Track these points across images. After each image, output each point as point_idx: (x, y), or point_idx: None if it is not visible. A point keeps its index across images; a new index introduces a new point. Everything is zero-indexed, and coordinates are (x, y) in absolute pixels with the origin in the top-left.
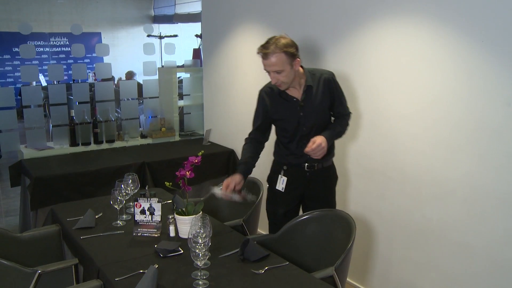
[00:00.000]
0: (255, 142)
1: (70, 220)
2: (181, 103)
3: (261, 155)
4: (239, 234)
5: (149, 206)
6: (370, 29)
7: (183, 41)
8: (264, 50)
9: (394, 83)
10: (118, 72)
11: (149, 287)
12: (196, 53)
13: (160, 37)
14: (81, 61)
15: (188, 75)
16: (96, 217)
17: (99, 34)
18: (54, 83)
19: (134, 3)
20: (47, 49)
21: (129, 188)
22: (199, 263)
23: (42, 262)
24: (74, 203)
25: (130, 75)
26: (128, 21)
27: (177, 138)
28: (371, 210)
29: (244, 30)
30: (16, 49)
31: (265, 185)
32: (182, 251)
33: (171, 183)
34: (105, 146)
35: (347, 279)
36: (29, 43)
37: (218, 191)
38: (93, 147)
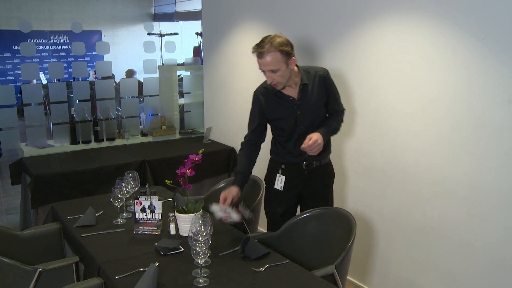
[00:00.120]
0: (251, 146)
1: (70, 218)
2: (181, 101)
3: (259, 153)
4: (240, 232)
5: (149, 204)
6: (370, 27)
7: (184, 39)
8: (259, 49)
9: (395, 81)
10: (119, 70)
11: (150, 285)
12: (197, 51)
13: (161, 35)
14: (82, 59)
15: (188, 73)
16: (97, 215)
17: (99, 32)
18: (54, 81)
19: (134, 1)
20: (47, 47)
21: (129, 186)
22: (200, 261)
23: (42, 260)
24: (74, 201)
25: (130, 73)
26: (128, 19)
27: (177, 136)
28: (372, 208)
29: (244, 28)
30: (17, 47)
31: (264, 184)
32: (182, 249)
33: (171, 181)
34: (105, 144)
35: (348, 277)
36: (30, 41)
37: (216, 208)
38: (93, 145)
